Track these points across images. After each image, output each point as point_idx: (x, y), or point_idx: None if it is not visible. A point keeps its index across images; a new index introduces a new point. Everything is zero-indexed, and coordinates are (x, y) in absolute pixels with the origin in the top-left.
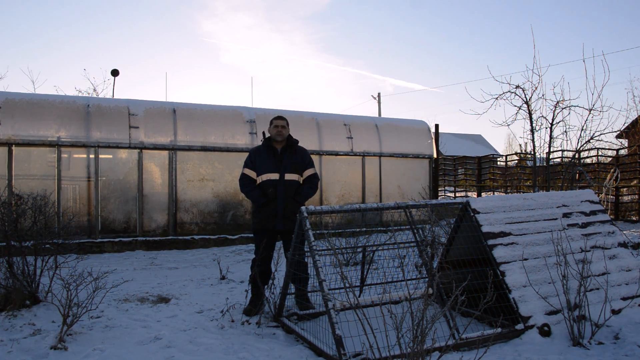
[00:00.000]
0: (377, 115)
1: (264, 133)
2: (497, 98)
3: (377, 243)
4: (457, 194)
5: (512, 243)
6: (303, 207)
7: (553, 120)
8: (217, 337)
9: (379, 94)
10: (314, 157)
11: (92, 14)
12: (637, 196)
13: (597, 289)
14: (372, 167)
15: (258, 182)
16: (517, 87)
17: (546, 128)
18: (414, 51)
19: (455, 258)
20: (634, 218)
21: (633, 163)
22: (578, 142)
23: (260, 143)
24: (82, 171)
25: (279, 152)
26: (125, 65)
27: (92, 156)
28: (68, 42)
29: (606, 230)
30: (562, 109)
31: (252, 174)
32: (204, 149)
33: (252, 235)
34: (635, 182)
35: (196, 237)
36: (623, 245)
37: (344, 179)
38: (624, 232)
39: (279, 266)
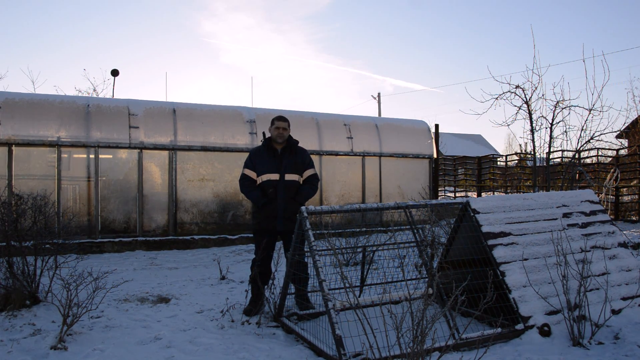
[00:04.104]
0: (377, 115)
1: (264, 133)
2: (497, 98)
3: (377, 243)
4: (457, 194)
5: (512, 243)
6: (303, 207)
7: (553, 120)
8: (217, 337)
9: (379, 94)
10: (314, 157)
11: (92, 14)
12: (637, 196)
13: (597, 289)
14: (372, 167)
15: (258, 182)
16: (517, 87)
17: (546, 128)
18: (414, 51)
19: (455, 258)
20: (634, 218)
21: (633, 163)
22: (578, 142)
23: (260, 143)
24: (82, 171)
25: (279, 152)
26: (125, 65)
27: (92, 156)
28: (68, 42)
29: (606, 230)
30: (562, 109)
31: (252, 174)
32: (204, 149)
33: (252, 235)
34: (635, 182)
35: (196, 237)
36: (623, 245)
37: (344, 179)
38: (624, 232)
39: (279, 266)
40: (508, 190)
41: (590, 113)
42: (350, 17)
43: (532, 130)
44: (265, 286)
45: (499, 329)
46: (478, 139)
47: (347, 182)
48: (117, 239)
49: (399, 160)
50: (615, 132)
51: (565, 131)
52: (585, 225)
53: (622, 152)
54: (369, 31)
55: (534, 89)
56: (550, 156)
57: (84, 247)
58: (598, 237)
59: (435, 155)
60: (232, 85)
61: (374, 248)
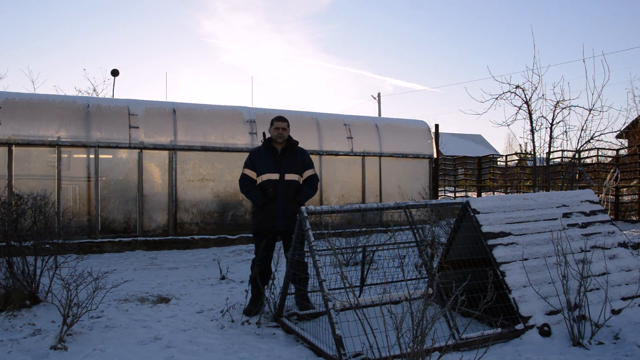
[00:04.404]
0: (377, 115)
1: (264, 133)
2: (497, 98)
3: (377, 243)
4: (457, 194)
5: (512, 243)
6: (303, 207)
7: (553, 120)
8: (217, 337)
9: (379, 94)
10: (314, 157)
11: (92, 14)
12: (637, 196)
13: (597, 289)
14: (372, 167)
15: (258, 182)
16: (517, 87)
17: (546, 128)
18: (414, 51)
19: (455, 258)
20: (634, 218)
21: (633, 163)
22: (578, 142)
23: (260, 143)
24: (82, 171)
25: (280, 152)
26: (125, 65)
27: (92, 156)
28: (68, 42)
29: (606, 230)
30: (562, 109)
31: (252, 174)
32: (204, 149)
33: (252, 235)
34: (635, 182)
35: (196, 237)
36: (623, 245)
37: (344, 179)
38: (624, 232)
39: (279, 266)
40: (508, 190)
41: (590, 113)
42: (350, 17)
43: (532, 130)
44: (265, 286)
45: (499, 329)
46: (478, 139)
47: (347, 182)
48: (117, 239)
49: (399, 160)
50: (615, 132)
51: (565, 131)
52: (585, 225)
53: (622, 152)
54: (369, 31)
55: (534, 89)
56: (550, 156)
57: (84, 247)
58: (598, 237)
59: (435, 155)
60: (232, 85)
61: (374, 248)
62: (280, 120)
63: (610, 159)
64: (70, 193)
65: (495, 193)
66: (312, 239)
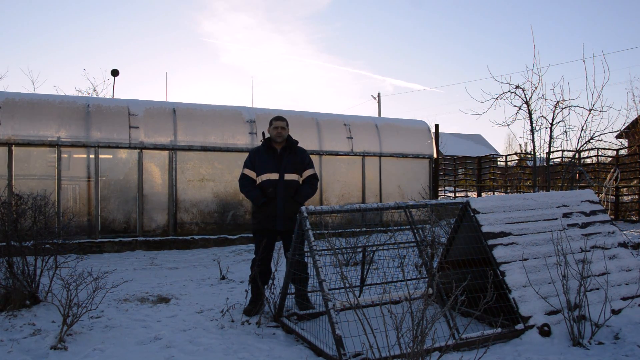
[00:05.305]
0: (377, 115)
1: (263, 133)
2: (497, 98)
3: (377, 243)
4: (457, 194)
5: (512, 243)
6: (303, 207)
7: (553, 120)
8: (217, 337)
9: (379, 94)
10: (314, 157)
11: (92, 14)
12: (637, 196)
13: (597, 289)
14: (372, 167)
15: (258, 182)
16: (517, 87)
17: (546, 128)
18: (414, 51)
19: (455, 258)
20: (634, 218)
21: (633, 163)
22: (578, 142)
23: (260, 143)
24: (82, 171)
25: (279, 152)
26: (125, 65)
27: (92, 156)
28: (68, 42)
29: (606, 230)
30: (562, 109)
31: (251, 174)
32: (204, 149)
33: (252, 235)
34: (635, 182)
35: (196, 237)
36: (623, 245)
37: (344, 179)
38: (624, 232)
39: (279, 266)
40: (508, 190)
41: (590, 113)
42: (351, 17)
43: (532, 130)
44: (265, 286)
45: (499, 329)
46: (478, 139)
47: (347, 182)
48: (117, 239)
49: (399, 160)
50: (615, 132)
51: (565, 131)
52: (585, 225)
53: (622, 152)
54: (369, 31)
55: (534, 89)
56: (550, 156)
57: (84, 247)
58: (598, 237)
59: (435, 155)
60: (232, 85)
61: (374, 248)
62: (279, 120)
63: (610, 159)
64: (70, 193)
65: (495, 193)
66: (312, 239)
